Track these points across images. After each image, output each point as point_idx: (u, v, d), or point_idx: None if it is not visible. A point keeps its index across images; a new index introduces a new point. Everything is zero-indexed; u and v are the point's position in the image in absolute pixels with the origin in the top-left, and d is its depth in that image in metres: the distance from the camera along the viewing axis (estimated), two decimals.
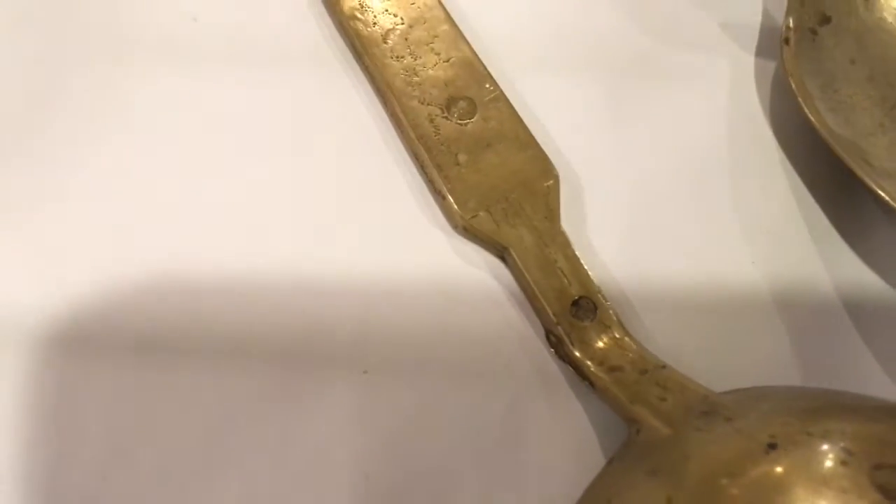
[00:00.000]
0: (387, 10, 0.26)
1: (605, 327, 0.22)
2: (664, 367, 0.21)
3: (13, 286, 0.22)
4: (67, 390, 0.21)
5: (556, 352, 0.22)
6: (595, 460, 0.21)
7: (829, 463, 0.17)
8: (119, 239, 0.23)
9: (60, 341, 0.21)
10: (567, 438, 0.21)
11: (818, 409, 0.18)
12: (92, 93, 0.25)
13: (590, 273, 0.23)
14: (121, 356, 0.21)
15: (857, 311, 0.23)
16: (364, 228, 0.24)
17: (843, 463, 0.16)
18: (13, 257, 0.22)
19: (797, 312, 0.23)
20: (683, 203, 0.25)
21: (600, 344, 0.22)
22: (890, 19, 0.27)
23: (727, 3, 0.28)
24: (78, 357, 0.21)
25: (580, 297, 0.22)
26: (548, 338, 0.22)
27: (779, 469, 0.17)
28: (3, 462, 0.20)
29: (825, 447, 0.17)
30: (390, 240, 0.24)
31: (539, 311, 0.23)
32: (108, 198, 0.23)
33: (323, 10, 0.26)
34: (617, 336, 0.22)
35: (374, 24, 0.26)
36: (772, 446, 0.17)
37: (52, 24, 0.26)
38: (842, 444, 0.17)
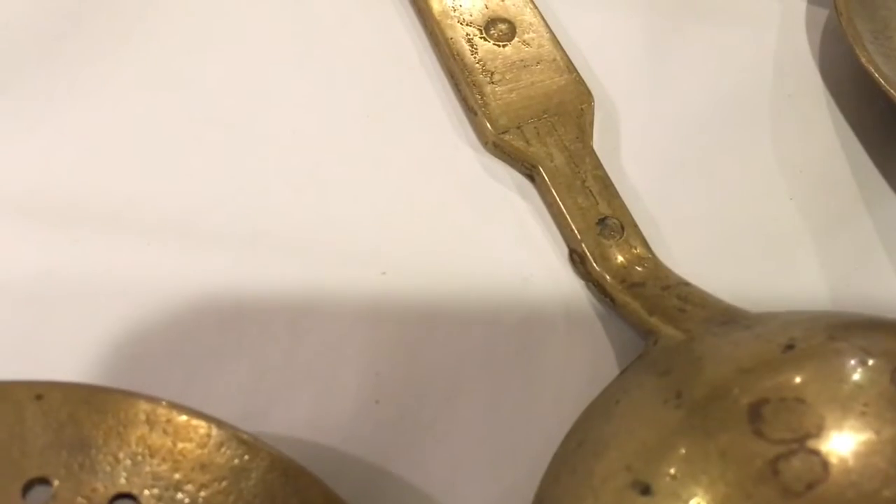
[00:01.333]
0: None
1: (630, 246, 0.21)
2: (688, 284, 0.20)
3: (50, 165, 0.22)
4: (89, 267, 0.21)
5: (578, 271, 0.22)
6: (610, 375, 0.20)
7: (848, 362, 0.16)
8: (152, 132, 0.23)
9: (93, 216, 0.22)
10: (583, 356, 0.21)
11: (844, 322, 0.18)
12: None
13: (619, 194, 0.22)
14: (146, 236, 0.21)
15: None
16: (395, 140, 0.24)
17: (863, 363, 0.16)
18: (51, 142, 0.23)
19: (835, 249, 0.22)
20: (721, 137, 0.24)
21: (622, 260, 0.21)
22: None
23: None
24: (103, 233, 0.21)
25: (606, 217, 0.22)
26: (571, 257, 0.22)
27: (794, 366, 0.16)
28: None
29: (847, 352, 0.16)
30: (420, 153, 0.23)
31: (564, 229, 0.22)
32: (149, 91, 0.24)
33: None
34: (641, 254, 0.21)
35: None
36: (790, 347, 0.16)
37: None
38: (865, 351, 0.16)
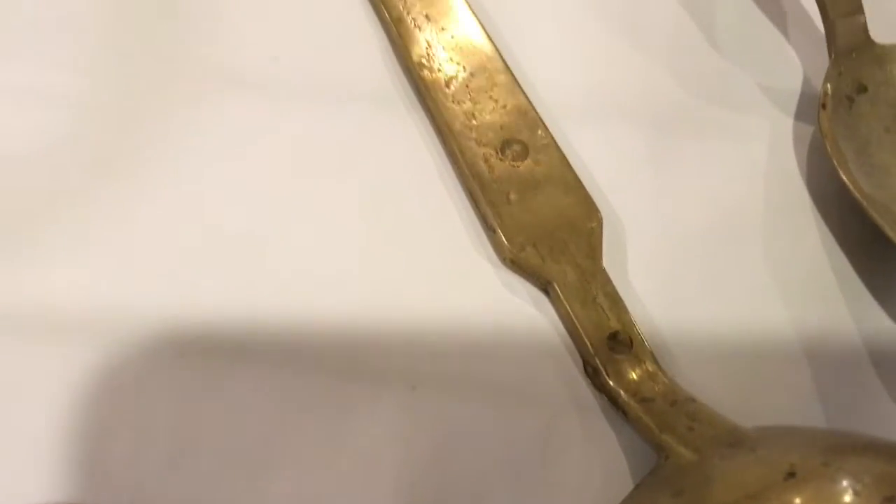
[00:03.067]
0: (451, 59, 0.28)
1: (639, 361, 0.23)
2: (694, 400, 0.22)
3: (96, 290, 0.24)
4: (133, 387, 0.23)
5: (592, 382, 0.24)
6: (625, 486, 0.22)
7: (842, 492, 0.18)
8: (188, 253, 0.25)
9: (132, 340, 0.23)
10: (598, 463, 0.23)
11: (837, 445, 0.20)
12: (174, 121, 0.27)
13: (628, 309, 0.24)
14: (187, 358, 0.23)
15: (884, 363, 0.24)
16: (417, 255, 0.25)
17: (857, 493, 0.18)
18: (96, 264, 0.24)
19: (824, 361, 0.24)
20: (718, 252, 0.26)
21: (633, 376, 0.23)
22: None
23: (769, 67, 0.29)
24: (145, 357, 0.23)
25: (617, 332, 0.24)
26: (585, 368, 0.24)
27: (794, 492, 0.18)
28: (64, 456, 0.22)
29: (840, 478, 0.18)
30: (442, 267, 0.25)
31: (578, 343, 0.24)
32: (182, 216, 0.26)
33: (393, 56, 0.29)
34: (650, 369, 0.23)
35: (439, 70, 0.28)
36: (791, 475, 0.18)
37: (143, 55, 0.28)
38: (856, 477, 0.18)
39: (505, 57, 0.28)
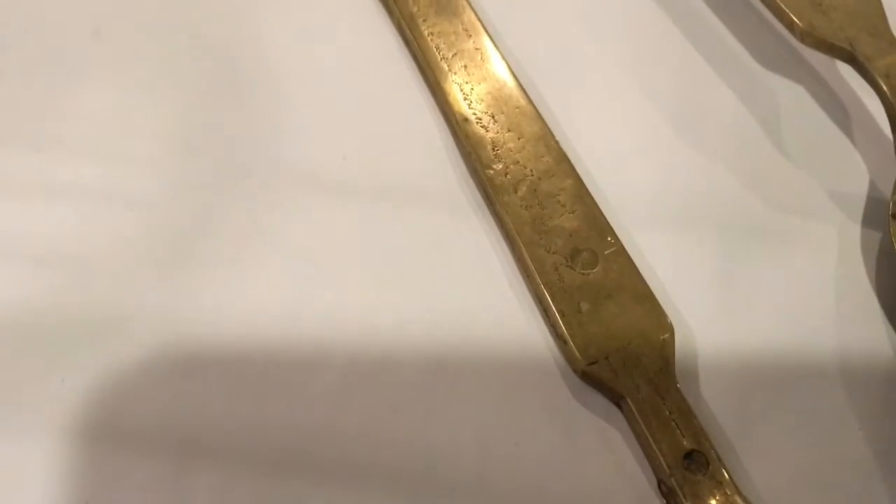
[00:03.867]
0: (518, 162, 0.28)
1: (717, 483, 0.23)
2: None
3: (167, 390, 0.24)
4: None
5: (667, 501, 0.23)
6: None
7: None
8: (251, 366, 0.25)
9: (198, 467, 0.23)
10: None
11: None
12: (243, 219, 0.28)
13: (703, 428, 0.24)
14: (265, 482, 0.23)
15: None
16: (485, 366, 0.25)
17: None
18: (167, 366, 0.25)
19: None
20: (792, 363, 0.26)
21: (709, 497, 0.23)
22: None
23: (836, 173, 0.29)
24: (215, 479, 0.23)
25: (693, 451, 0.24)
26: (659, 487, 0.24)
27: None
28: None
29: None
30: (511, 379, 0.25)
31: (652, 460, 0.24)
32: (250, 318, 0.26)
33: (460, 157, 0.29)
34: (728, 493, 0.23)
35: (507, 174, 0.28)
36: None
37: (214, 155, 0.29)
38: None
39: (572, 160, 0.28)
